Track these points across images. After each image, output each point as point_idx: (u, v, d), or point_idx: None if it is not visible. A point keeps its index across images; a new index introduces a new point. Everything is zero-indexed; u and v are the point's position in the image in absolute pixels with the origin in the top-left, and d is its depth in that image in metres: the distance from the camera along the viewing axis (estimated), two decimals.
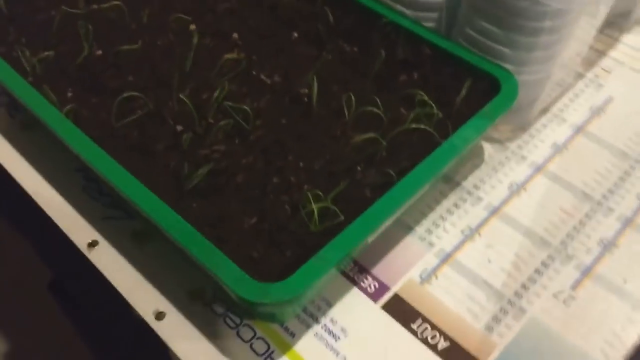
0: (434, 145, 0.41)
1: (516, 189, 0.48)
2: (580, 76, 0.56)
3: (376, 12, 0.50)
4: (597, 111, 0.53)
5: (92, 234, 0.45)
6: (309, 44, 0.49)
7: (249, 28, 0.50)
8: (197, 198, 0.39)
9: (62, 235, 0.45)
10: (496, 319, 0.41)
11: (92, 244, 0.44)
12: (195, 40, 0.47)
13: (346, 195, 0.39)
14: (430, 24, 0.52)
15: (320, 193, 0.38)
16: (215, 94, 0.43)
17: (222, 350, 0.39)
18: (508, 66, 0.47)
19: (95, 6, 0.51)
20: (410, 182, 0.39)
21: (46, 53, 0.47)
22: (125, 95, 0.43)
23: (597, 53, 0.58)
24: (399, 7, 0.52)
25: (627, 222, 0.46)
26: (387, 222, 0.39)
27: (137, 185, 0.39)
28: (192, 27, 0.50)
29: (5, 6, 0.51)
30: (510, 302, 0.41)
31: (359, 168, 0.41)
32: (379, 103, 0.44)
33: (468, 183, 0.48)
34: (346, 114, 0.43)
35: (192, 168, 0.40)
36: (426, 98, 0.43)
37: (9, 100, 0.54)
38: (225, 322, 0.40)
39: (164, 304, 0.41)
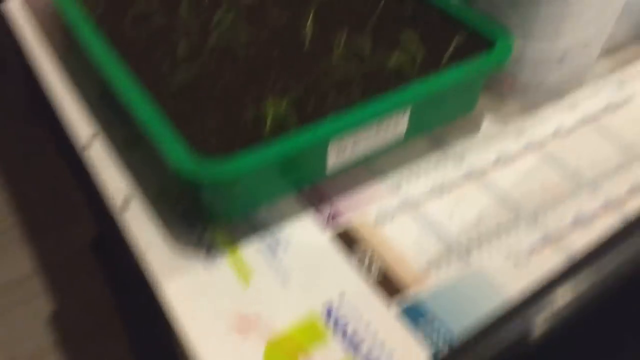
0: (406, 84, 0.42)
1: (503, 160, 0.47)
2: (602, 74, 0.54)
3: None
4: (613, 108, 0.51)
5: (91, 132, 0.49)
6: None
7: None
8: (174, 97, 0.42)
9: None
10: (437, 264, 0.39)
11: (88, 142, 0.48)
12: None
13: (307, 111, 0.40)
14: None
15: (282, 103, 0.40)
16: (218, 17, 0.47)
17: (170, 240, 0.40)
18: (516, 36, 0.47)
19: None
20: (371, 106, 0.39)
21: None
22: (139, 7, 0.48)
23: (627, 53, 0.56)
24: None
25: (609, 206, 0.43)
26: (338, 142, 0.39)
27: (127, 77, 0.42)
28: None
29: None
30: (458, 254, 0.40)
31: (330, 95, 0.42)
32: (369, 46, 0.45)
33: (456, 148, 0.48)
34: (334, 50, 0.45)
35: (181, 74, 0.43)
36: (414, 48, 0.44)
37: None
38: (181, 221, 0.42)
39: (133, 197, 0.43)
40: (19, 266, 1.50)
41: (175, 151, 0.36)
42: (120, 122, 0.49)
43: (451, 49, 0.44)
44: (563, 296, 0.30)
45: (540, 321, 0.31)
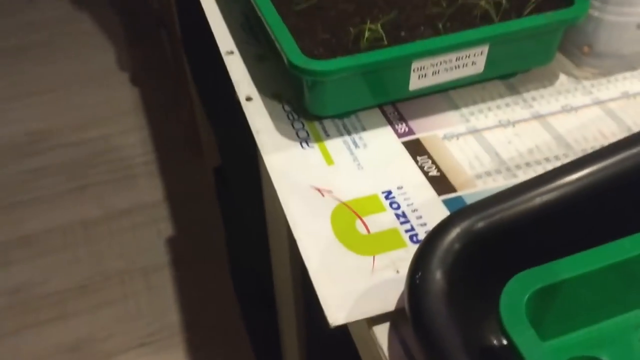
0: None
1: (568, 109, 0.53)
2: None
3: None
4: None
5: (232, 46, 0.61)
6: None
7: None
8: (297, 17, 0.53)
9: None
10: (488, 174, 0.47)
11: (230, 52, 0.60)
12: None
13: (399, 37, 0.49)
14: None
15: (377, 26, 0.49)
16: None
17: (279, 128, 0.51)
18: (594, 2, 0.53)
19: None
20: (449, 39, 0.48)
21: None
22: None
23: None
24: None
25: None
26: (420, 64, 0.48)
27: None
28: None
29: None
30: (508, 169, 0.47)
31: (421, 27, 0.51)
32: None
33: (528, 95, 0.54)
34: None
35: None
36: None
37: None
38: (287, 116, 0.53)
39: (254, 94, 0.55)
40: (151, 193, 1.71)
41: (293, 52, 0.47)
42: (255, 43, 0.61)
43: (533, 1, 0.51)
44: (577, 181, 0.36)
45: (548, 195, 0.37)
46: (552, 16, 0.50)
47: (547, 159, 0.48)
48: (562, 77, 0.56)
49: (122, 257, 1.56)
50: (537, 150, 0.49)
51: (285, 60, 0.47)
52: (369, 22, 0.50)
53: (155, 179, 1.76)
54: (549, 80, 0.56)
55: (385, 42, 0.48)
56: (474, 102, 0.54)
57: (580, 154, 0.48)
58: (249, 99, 0.55)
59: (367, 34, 0.49)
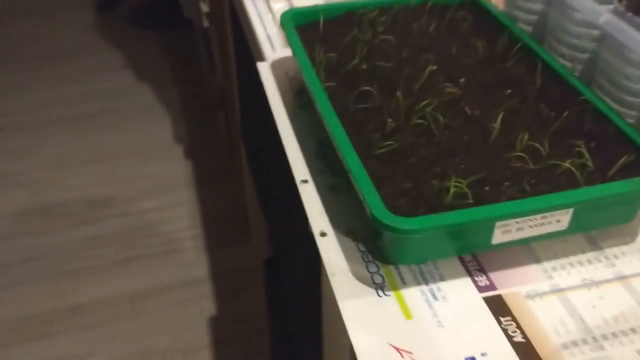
0: (575, 187, 0.49)
1: None
2: None
3: (579, 91, 0.59)
4: None
5: (307, 174, 0.62)
6: (515, 99, 0.61)
7: (474, 78, 0.64)
8: (378, 160, 0.54)
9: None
10: (574, 343, 0.45)
11: (305, 181, 0.61)
12: (427, 73, 0.63)
13: (483, 193, 0.49)
14: (630, 121, 0.59)
15: (462, 180, 0.49)
16: (424, 103, 0.58)
17: (353, 271, 0.51)
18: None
19: (377, 39, 0.71)
20: (536, 202, 0.47)
21: (331, 54, 0.68)
22: (363, 88, 0.61)
23: None
24: (608, 100, 0.61)
25: None
26: (505, 224, 0.48)
27: (346, 140, 0.55)
28: (434, 67, 0.66)
29: (323, 29, 0.75)
30: (594, 338, 0.46)
31: (505, 183, 0.51)
32: (547, 147, 0.53)
33: (610, 251, 0.53)
34: (516, 147, 0.54)
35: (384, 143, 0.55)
36: (587, 156, 0.51)
37: (299, 87, 0.76)
38: (362, 257, 0.53)
39: (329, 230, 0.55)
40: (196, 269, 1.73)
41: (376, 206, 0.47)
42: (329, 172, 0.62)
43: (618, 165, 0.51)
44: None
45: None
46: (636, 183, 0.49)
47: (633, 330, 0.47)
48: None
49: (165, 335, 1.55)
50: (623, 318, 0.47)
51: (368, 213, 0.48)
52: (453, 178, 0.50)
53: (202, 255, 1.77)
54: (630, 235, 0.55)
55: (470, 200, 0.48)
56: (556, 256, 0.53)
57: None
58: (323, 234, 0.55)
59: (451, 188, 0.49)
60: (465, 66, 0.66)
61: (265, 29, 0.91)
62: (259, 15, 0.95)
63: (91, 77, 2.52)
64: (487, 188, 0.50)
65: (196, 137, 2.22)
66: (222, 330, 1.57)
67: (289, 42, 0.71)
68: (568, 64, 0.68)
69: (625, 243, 0.54)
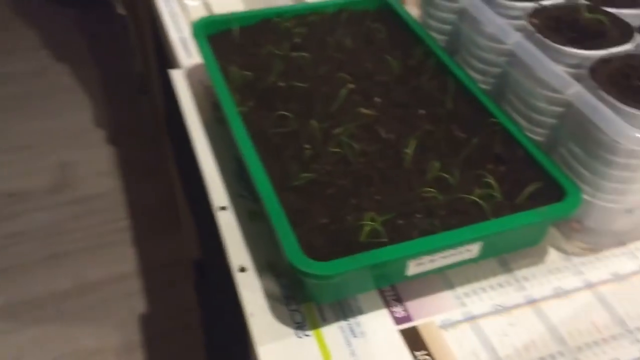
0: (484, 219, 0.50)
1: (560, 293, 0.53)
2: None
3: (490, 112, 0.60)
4: None
5: (225, 201, 0.61)
6: (428, 120, 0.61)
7: (389, 97, 0.64)
8: (295, 193, 0.53)
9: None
10: None
11: (223, 208, 0.60)
12: (344, 93, 0.63)
13: (396, 228, 0.50)
14: (538, 138, 0.61)
15: (377, 217, 0.50)
16: (340, 130, 0.58)
17: (273, 309, 0.51)
18: (586, 188, 0.54)
19: (293, 53, 0.69)
20: (445, 238, 0.48)
21: (246, 73, 0.66)
22: (280, 112, 0.60)
23: None
24: (517, 117, 0.62)
25: None
26: (417, 260, 0.49)
27: (261, 170, 0.54)
28: (350, 86, 0.65)
29: (238, 38, 0.72)
30: None
31: (417, 215, 0.51)
32: (457, 176, 0.54)
33: (520, 273, 0.55)
34: (428, 175, 0.54)
35: (301, 173, 0.54)
36: (495, 185, 0.53)
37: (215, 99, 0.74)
38: (282, 293, 0.52)
39: (249, 264, 0.55)
40: (124, 264, 1.68)
41: (293, 251, 0.47)
42: (249, 196, 0.61)
43: (527, 192, 0.52)
44: None
45: None
46: (544, 213, 0.51)
47: (542, 359, 0.49)
48: (552, 253, 0.57)
49: (95, 335, 1.52)
50: (534, 347, 0.49)
51: (285, 258, 0.47)
52: (368, 215, 0.50)
53: (130, 249, 1.73)
54: (539, 255, 0.57)
55: (385, 239, 0.48)
56: (468, 281, 0.54)
57: (574, 352, 0.49)
58: (242, 269, 0.54)
59: (366, 226, 0.49)
60: (381, 84, 0.66)
61: (179, 30, 0.87)
62: (172, 15, 0.91)
63: (1, 59, 2.36)
64: (400, 222, 0.51)
65: (121, 121, 2.14)
66: (154, 327, 1.54)
67: (202, 55, 0.69)
68: (479, 77, 0.68)
69: (535, 264, 0.56)
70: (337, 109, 0.62)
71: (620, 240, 0.58)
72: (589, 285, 0.54)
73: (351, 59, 0.69)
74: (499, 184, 0.53)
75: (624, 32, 0.58)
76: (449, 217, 0.51)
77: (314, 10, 0.76)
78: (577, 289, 0.54)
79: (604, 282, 0.55)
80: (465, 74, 0.66)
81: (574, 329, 0.51)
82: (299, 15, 0.76)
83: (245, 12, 0.75)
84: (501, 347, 0.49)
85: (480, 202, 0.51)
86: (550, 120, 0.60)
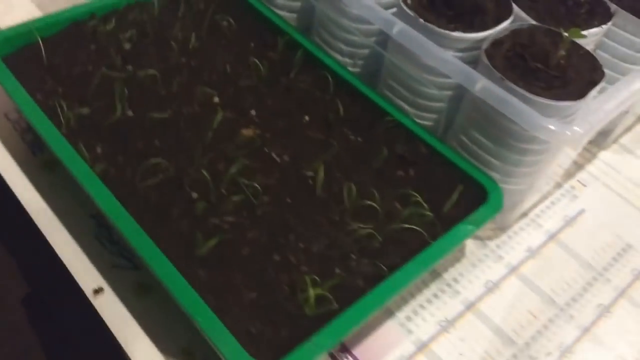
0: (423, 244, 0.46)
1: (491, 287, 0.53)
2: (558, 185, 0.62)
3: (382, 109, 0.55)
4: (569, 221, 0.59)
5: (98, 280, 0.48)
6: (317, 128, 0.54)
7: (265, 106, 0.55)
8: (205, 266, 0.43)
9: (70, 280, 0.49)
10: None
11: (98, 291, 0.47)
12: (219, 115, 0.52)
13: (340, 283, 0.43)
14: (428, 123, 0.57)
15: (317, 278, 0.42)
16: (232, 170, 0.48)
17: None
18: (494, 175, 0.52)
19: (130, 68, 0.55)
20: (400, 277, 0.43)
21: (82, 109, 0.51)
22: (151, 161, 0.48)
23: (575, 166, 0.64)
24: (402, 104, 0.57)
25: (584, 331, 0.50)
26: (376, 313, 0.43)
27: (151, 247, 0.42)
28: (216, 99, 0.54)
29: (46, 55, 0.55)
30: None
31: (353, 257, 0.45)
32: (377, 196, 0.48)
33: (449, 275, 0.53)
34: (346, 202, 0.48)
35: (203, 237, 0.44)
36: (420, 199, 0.48)
37: (34, 138, 0.57)
38: None
39: (151, 355, 0.44)
40: None
41: (233, 353, 0.38)
42: (127, 263, 0.49)
43: (452, 200, 0.49)
44: None
45: None
46: (478, 220, 0.48)
47: None
48: (469, 242, 0.56)
49: None
50: (488, 357, 0.48)
51: None
52: (303, 270, 0.42)
53: None
54: (460, 250, 0.55)
55: (335, 306, 0.41)
56: (405, 302, 0.50)
57: (525, 350, 0.49)
58: None
59: (312, 294, 0.41)
60: (248, 90, 0.56)
61: None
62: None
63: None
64: (337, 270, 0.44)
65: None
66: None
67: (4, 88, 0.52)
68: (347, 60, 0.62)
69: (458, 260, 0.54)
70: (212, 136, 0.51)
71: (523, 212, 0.58)
72: (512, 269, 0.54)
73: (204, 64, 0.58)
74: (419, 193, 0.49)
75: (502, 3, 0.55)
76: (387, 250, 0.46)
77: (133, 1, 0.61)
78: (503, 277, 0.53)
79: (523, 261, 0.55)
80: (337, 63, 0.59)
81: (516, 324, 0.50)
82: (118, 11, 0.61)
83: (46, 18, 0.58)
84: None
85: (417, 228, 0.46)
86: (439, 104, 0.57)
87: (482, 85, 0.48)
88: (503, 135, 0.50)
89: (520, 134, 0.49)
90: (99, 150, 0.49)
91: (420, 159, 0.53)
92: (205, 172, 0.48)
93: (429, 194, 0.50)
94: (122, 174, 0.48)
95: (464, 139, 0.53)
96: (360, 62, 0.62)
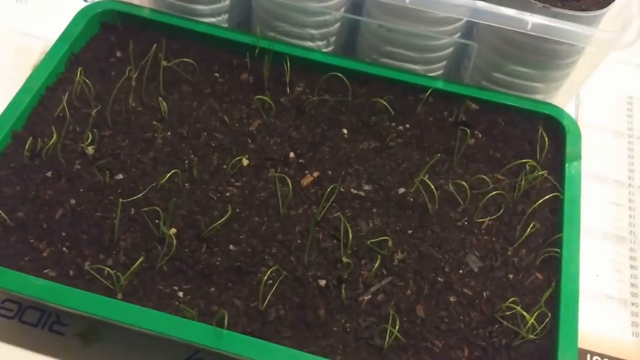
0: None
1: None
2: None
3: (405, 82, 0.50)
4: None
5: None
6: (360, 133, 0.48)
7: (292, 139, 0.47)
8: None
9: None
10: None
11: None
12: (277, 189, 0.43)
13: None
14: (438, 73, 0.53)
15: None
16: (348, 236, 0.40)
17: None
18: (538, 96, 0.51)
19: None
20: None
21: None
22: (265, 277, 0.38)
23: None
24: (409, 66, 0.52)
25: None
26: None
27: None
28: (245, 162, 0.44)
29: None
30: None
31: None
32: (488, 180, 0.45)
33: None
34: (467, 200, 0.44)
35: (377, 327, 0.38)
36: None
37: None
38: None
39: None
40: None
41: None
42: None
43: (545, 150, 0.47)
44: None
45: None
46: (574, 154, 0.47)
47: None
48: None
49: None
50: None
51: None
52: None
53: None
54: None
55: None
56: None
57: None
58: None
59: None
60: (262, 133, 0.47)
61: None
62: None
63: None
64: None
65: None
66: None
67: None
68: (320, 43, 0.54)
69: None
70: (287, 213, 0.42)
71: None
72: None
73: (199, 131, 0.46)
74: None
75: None
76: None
77: None
78: None
79: None
80: (322, 53, 0.51)
81: None
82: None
83: None
84: None
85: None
86: (448, 51, 0.52)
87: (532, 22, 0.44)
88: (548, 59, 0.48)
89: (567, 51, 0.48)
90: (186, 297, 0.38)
91: (476, 117, 0.49)
92: (317, 254, 0.40)
93: (515, 150, 0.47)
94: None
95: (499, 75, 0.50)
96: (333, 40, 0.54)
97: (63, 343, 0.42)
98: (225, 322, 0.36)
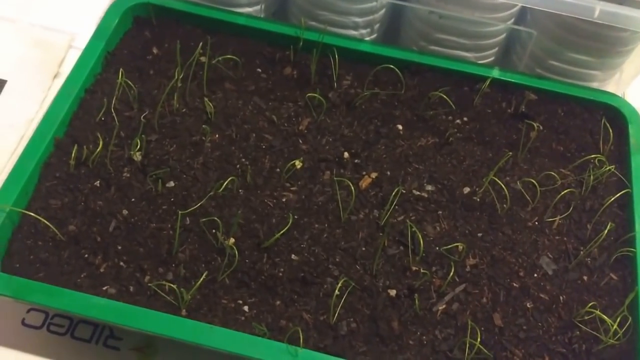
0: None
1: None
2: None
3: (462, 72, 0.48)
4: None
5: None
6: (416, 129, 0.45)
7: (345, 138, 0.44)
8: None
9: None
10: None
11: None
12: (337, 193, 0.41)
13: None
14: (489, 61, 0.51)
15: None
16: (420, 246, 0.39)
17: None
18: (594, 84, 0.49)
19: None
20: None
21: None
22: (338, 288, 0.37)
23: None
24: (461, 53, 0.50)
25: None
26: None
27: None
28: (298, 164, 0.42)
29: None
30: None
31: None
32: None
33: None
34: (536, 200, 0.42)
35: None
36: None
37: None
38: None
39: None
40: None
41: None
42: None
43: (610, 142, 0.45)
44: None
45: None
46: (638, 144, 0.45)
47: None
48: None
49: None
50: None
51: None
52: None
53: None
54: None
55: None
56: None
57: None
58: None
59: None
60: (313, 132, 0.45)
61: None
62: None
63: None
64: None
65: None
66: None
67: None
68: (364, 31, 0.51)
69: None
70: (348, 219, 0.40)
71: None
72: None
73: (248, 133, 0.44)
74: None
75: None
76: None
77: None
78: None
79: None
80: (369, 44, 0.49)
81: None
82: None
83: None
84: None
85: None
86: (500, 38, 0.50)
87: (600, 9, 0.42)
88: (609, 46, 0.46)
89: (629, 38, 0.45)
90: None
91: (537, 108, 0.47)
92: (384, 262, 0.38)
93: (578, 144, 0.46)
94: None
95: (556, 63, 0.48)
96: (376, 27, 0.52)
97: (119, 358, 0.41)
98: (301, 340, 0.34)
